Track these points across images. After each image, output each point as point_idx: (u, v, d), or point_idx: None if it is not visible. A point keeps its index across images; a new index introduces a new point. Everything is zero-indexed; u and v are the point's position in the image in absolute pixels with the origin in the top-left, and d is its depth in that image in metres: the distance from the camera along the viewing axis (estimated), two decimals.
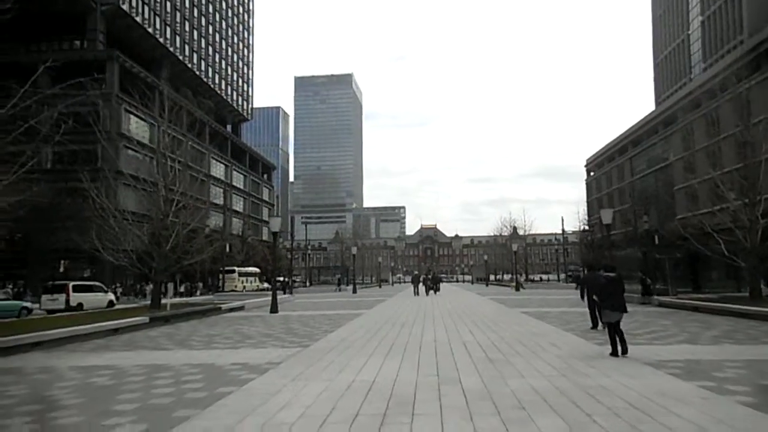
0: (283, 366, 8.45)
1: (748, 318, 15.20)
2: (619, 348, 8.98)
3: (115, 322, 14.29)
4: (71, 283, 25.52)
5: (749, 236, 19.68)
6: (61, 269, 46.63)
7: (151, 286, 54.21)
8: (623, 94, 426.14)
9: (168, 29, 75.67)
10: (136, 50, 68.70)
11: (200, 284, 52.29)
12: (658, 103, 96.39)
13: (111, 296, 27.59)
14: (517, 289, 42.33)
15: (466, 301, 27.30)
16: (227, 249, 48.07)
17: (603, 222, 19.19)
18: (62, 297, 24.28)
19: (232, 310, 21.23)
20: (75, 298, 24.76)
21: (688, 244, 22.09)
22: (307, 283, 61.84)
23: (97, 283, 28.52)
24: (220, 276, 58.73)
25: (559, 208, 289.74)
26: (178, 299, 27.51)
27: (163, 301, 19.56)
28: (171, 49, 75.45)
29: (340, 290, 51.56)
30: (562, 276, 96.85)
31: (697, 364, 8.28)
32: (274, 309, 20.10)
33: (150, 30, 70.33)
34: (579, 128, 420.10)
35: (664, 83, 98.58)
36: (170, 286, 19.43)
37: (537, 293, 37.76)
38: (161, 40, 72.82)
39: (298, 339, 12.01)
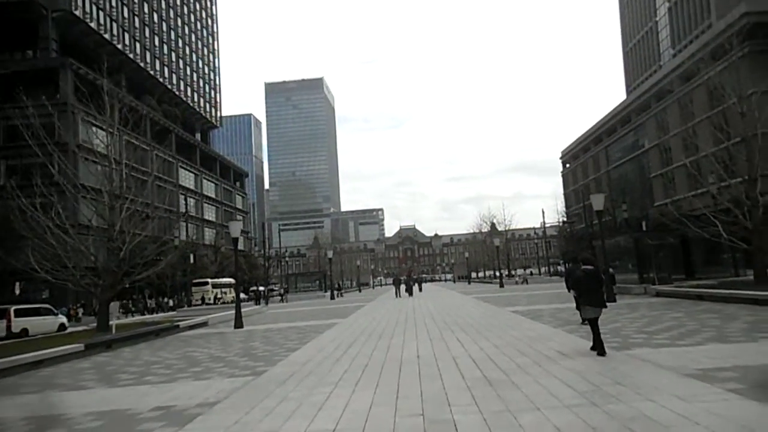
0: (217, 409, 6.34)
1: (762, 305, 13.70)
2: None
3: (39, 353, 11.94)
4: (12, 308, 22.81)
5: (751, 215, 18.25)
6: (17, 291, 43.47)
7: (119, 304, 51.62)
8: (595, 84, 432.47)
9: (126, 35, 72.50)
10: (93, 58, 65.49)
11: (167, 300, 49.31)
12: (629, 91, 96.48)
13: (62, 319, 24.90)
14: (501, 286, 40.74)
15: (450, 302, 25.35)
16: (191, 259, 45.13)
17: (594, 208, 17.53)
18: (2, 324, 21.59)
19: (192, 327, 18.89)
20: (18, 323, 22.10)
21: (683, 229, 20.69)
22: (282, 293, 59.07)
23: (45, 306, 25.80)
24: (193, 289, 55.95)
25: (536, 202, 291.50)
26: (131, 319, 25.04)
27: (120, 321, 17.29)
28: (131, 56, 72.29)
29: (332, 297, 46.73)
30: (543, 270, 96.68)
31: (755, 372, 6.49)
32: (238, 324, 17.87)
33: (107, 36, 67.17)
34: (552, 121, 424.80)
35: (634, 71, 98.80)
36: (114, 305, 17.02)
37: (519, 289, 36.22)
38: (119, 46, 69.64)
39: (254, 363, 9.91)
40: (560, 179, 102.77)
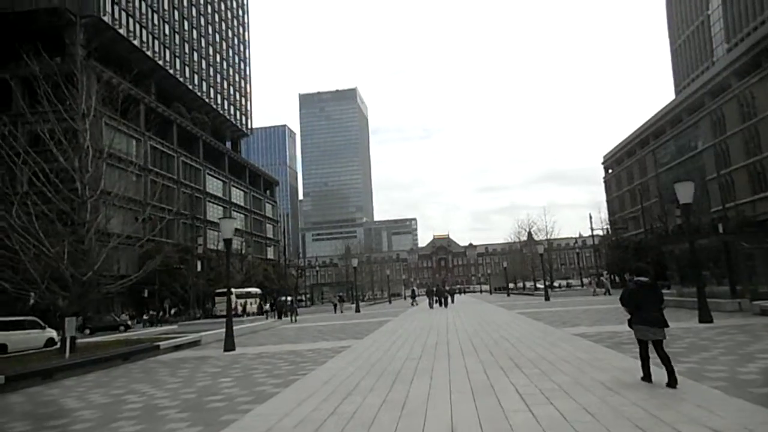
0: None
1: None
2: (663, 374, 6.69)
3: None
4: None
5: None
6: (31, 301, 41.78)
7: (146, 313, 49.57)
8: (629, 89, 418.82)
9: (156, 42, 71.78)
10: (122, 65, 64.84)
11: (169, 309, 46.55)
12: (678, 90, 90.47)
13: (50, 333, 22.30)
14: (547, 299, 36.44)
15: (490, 319, 21.12)
16: (198, 267, 42.44)
17: (681, 201, 13.51)
18: None
19: (178, 347, 15.71)
20: None
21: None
22: (306, 304, 55.54)
23: (30, 319, 23.30)
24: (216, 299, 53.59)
25: (571, 212, 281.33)
26: (105, 337, 22.13)
27: (87, 339, 14.37)
28: (160, 62, 71.46)
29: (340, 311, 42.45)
30: (586, 281, 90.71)
31: None
32: (228, 345, 14.58)
33: (136, 43, 66.40)
34: (584, 129, 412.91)
35: (683, 69, 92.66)
36: (70, 320, 14.03)
37: (571, 302, 31.85)
38: (149, 53, 68.85)
39: (186, 428, 6.47)
40: (595, 188, 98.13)
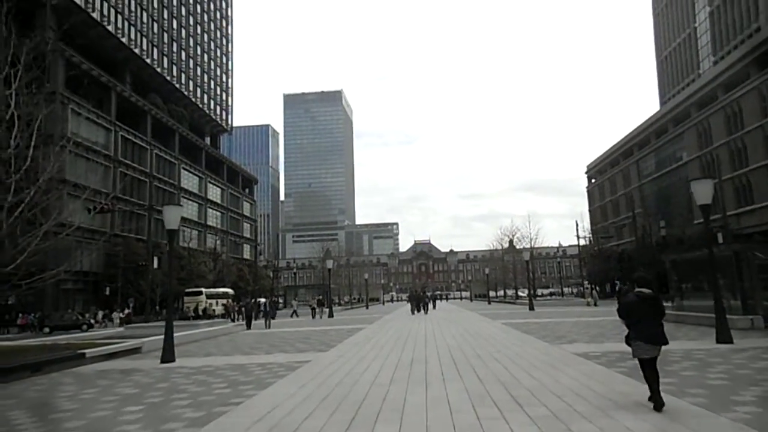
0: None
1: None
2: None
3: None
4: None
5: None
6: (9, 301, 39.02)
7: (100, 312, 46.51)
8: (612, 100, 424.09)
9: (132, 29, 68.77)
10: (95, 51, 61.85)
11: (128, 310, 43.69)
12: (663, 102, 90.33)
13: None
14: (531, 308, 34.72)
15: (474, 330, 18.99)
16: (155, 263, 39.67)
17: (698, 202, 11.73)
18: None
19: (110, 356, 13.38)
20: None
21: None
22: (279, 307, 52.41)
23: None
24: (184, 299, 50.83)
25: (551, 222, 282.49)
26: (22, 342, 19.65)
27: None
28: (136, 50, 68.47)
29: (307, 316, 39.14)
30: (567, 290, 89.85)
31: None
32: (167, 357, 12.32)
33: (110, 29, 63.39)
34: (566, 140, 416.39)
35: (669, 81, 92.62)
36: None
37: (557, 313, 30.14)
38: (124, 40, 65.86)
39: None
40: (575, 199, 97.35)
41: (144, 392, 8.80)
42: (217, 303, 52.22)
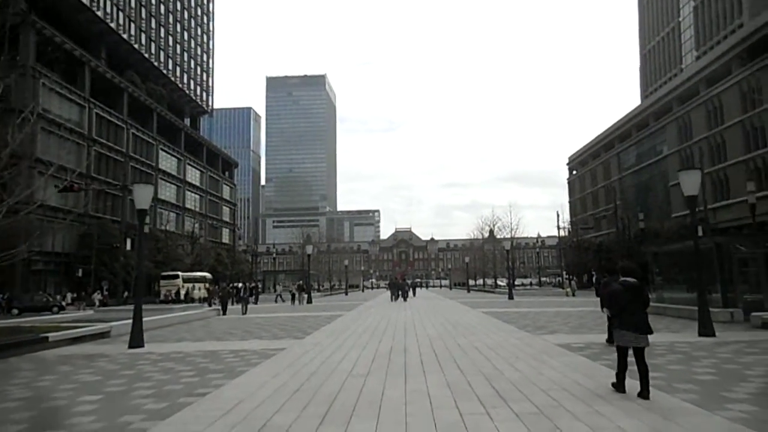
0: None
1: None
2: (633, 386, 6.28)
3: None
4: None
5: None
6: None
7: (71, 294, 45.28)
8: (597, 94, 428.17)
9: (108, 3, 66.33)
10: (68, 24, 59.56)
11: (97, 292, 42.46)
12: (645, 96, 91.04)
13: None
14: (511, 297, 34.74)
15: (454, 319, 18.72)
16: (128, 245, 38.67)
17: (685, 193, 11.53)
18: None
19: (76, 340, 12.74)
20: None
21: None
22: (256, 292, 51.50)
23: None
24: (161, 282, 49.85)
25: (531, 212, 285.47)
26: None
27: None
28: (112, 25, 66.13)
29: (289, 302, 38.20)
30: (544, 280, 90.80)
31: None
32: (135, 341, 11.76)
33: (84, 0, 61.01)
34: (548, 132, 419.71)
35: (651, 74, 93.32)
36: None
37: (537, 302, 30.15)
38: (99, 13, 63.49)
39: None
40: (556, 191, 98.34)
41: (106, 380, 8.25)
42: (194, 287, 51.30)
